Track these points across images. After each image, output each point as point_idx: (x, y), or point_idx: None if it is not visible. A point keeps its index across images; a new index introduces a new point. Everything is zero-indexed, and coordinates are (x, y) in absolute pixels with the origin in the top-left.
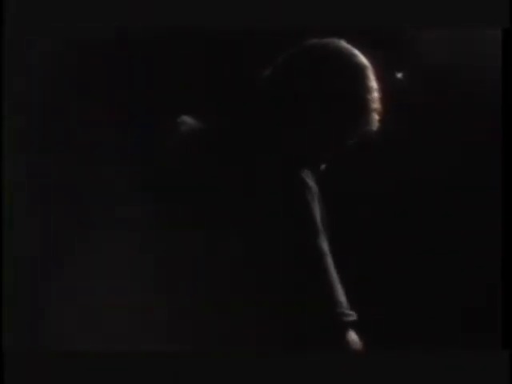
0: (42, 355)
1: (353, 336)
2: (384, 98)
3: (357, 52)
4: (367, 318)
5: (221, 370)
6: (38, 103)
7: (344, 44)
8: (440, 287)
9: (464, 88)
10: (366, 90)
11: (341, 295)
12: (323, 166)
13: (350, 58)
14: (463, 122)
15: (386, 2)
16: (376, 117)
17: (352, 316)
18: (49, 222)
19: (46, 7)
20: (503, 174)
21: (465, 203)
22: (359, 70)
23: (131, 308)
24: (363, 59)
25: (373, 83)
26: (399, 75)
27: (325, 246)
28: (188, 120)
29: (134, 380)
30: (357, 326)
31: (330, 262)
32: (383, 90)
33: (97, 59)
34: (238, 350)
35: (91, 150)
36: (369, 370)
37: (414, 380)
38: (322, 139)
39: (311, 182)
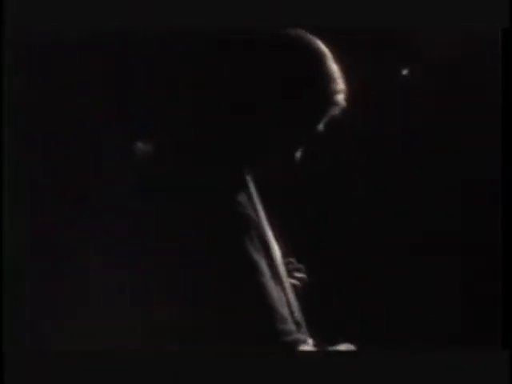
0: (41, 355)
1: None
2: (384, 98)
3: (314, 40)
4: (367, 318)
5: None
6: (37, 103)
7: (303, 32)
8: (440, 287)
9: (464, 88)
10: (324, 76)
11: (282, 324)
12: (298, 155)
13: (308, 46)
14: (463, 122)
15: (386, 1)
16: (341, 97)
17: (295, 341)
18: (49, 221)
19: (45, 7)
20: (503, 173)
21: (465, 203)
22: (316, 56)
23: (131, 308)
24: (321, 46)
25: (330, 68)
26: (404, 72)
27: (263, 278)
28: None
29: (135, 380)
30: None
31: (267, 293)
32: (383, 89)
33: (97, 59)
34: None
35: (91, 150)
36: (368, 370)
37: (414, 380)
38: (285, 128)
39: (242, 207)
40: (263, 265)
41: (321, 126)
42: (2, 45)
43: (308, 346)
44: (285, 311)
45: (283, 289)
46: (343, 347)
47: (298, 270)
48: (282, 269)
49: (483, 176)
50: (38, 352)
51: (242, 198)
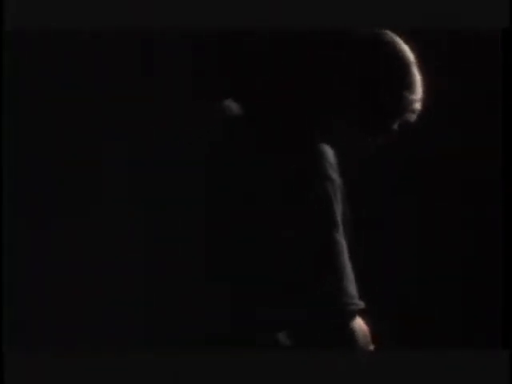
0: (41, 355)
1: (357, 325)
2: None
3: (405, 47)
4: (366, 318)
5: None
6: (38, 103)
7: (395, 38)
8: (440, 287)
9: (464, 88)
10: (407, 86)
11: (348, 286)
12: (372, 151)
13: (399, 53)
14: (463, 122)
15: (386, 2)
16: (417, 106)
17: (356, 305)
18: (49, 221)
19: (45, 7)
20: (503, 173)
21: (465, 203)
22: (403, 63)
23: (131, 308)
24: (408, 52)
25: (415, 78)
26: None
27: (339, 238)
28: (229, 105)
29: (134, 380)
30: (365, 315)
31: (341, 251)
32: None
33: (96, 59)
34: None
35: (91, 150)
36: (368, 370)
37: (414, 380)
38: (360, 128)
39: (335, 174)
40: (341, 226)
41: (395, 127)
42: (1, 45)
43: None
44: (352, 275)
45: None
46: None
47: None
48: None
49: (483, 176)
50: (38, 352)
51: (331, 159)
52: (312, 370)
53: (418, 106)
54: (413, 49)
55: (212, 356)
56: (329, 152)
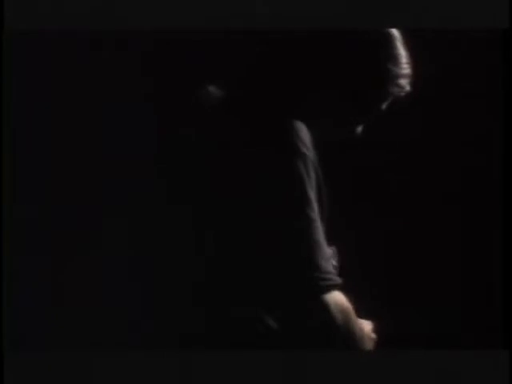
0: (41, 355)
1: (332, 300)
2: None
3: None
4: (366, 318)
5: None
6: (37, 103)
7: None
8: (440, 287)
9: (464, 88)
10: (389, 58)
11: (322, 260)
12: (359, 130)
13: (379, 32)
14: (463, 122)
15: (385, 2)
16: (404, 82)
17: (331, 280)
18: (48, 221)
19: (45, 7)
20: (503, 174)
21: (465, 203)
22: (385, 37)
23: (131, 308)
24: (391, 30)
25: (398, 51)
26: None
27: (311, 214)
28: (211, 90)
29: (135, 379)
30: (342, 289)
31: (314, 227)
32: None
33: (96, 58)
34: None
35: (91, 150)
36: (368, 370)
37: (414, 380)
38: (344, 105)
39: (306, 150)
40: (315, 203)
41: (383, 106)
42: (1, 45)
43: (340, 292)
44: (328, 251)
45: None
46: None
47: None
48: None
49: (483, 176)
50: (37, 352)
51: (304, 136)
52: (312, 370)
53: (404, 81)
54: (413, 49)
55: (204, 354)
56: (302, 130)
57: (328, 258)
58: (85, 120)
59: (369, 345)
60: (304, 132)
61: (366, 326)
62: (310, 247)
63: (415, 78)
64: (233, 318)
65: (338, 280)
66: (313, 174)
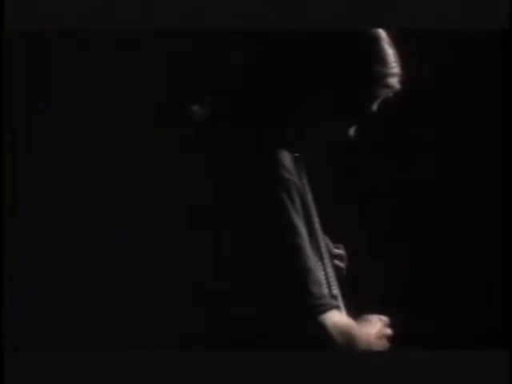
0: (41, 355)
1: (329, 322)
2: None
3: (378, 30)
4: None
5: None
6: (37, 103)
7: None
8: (440, 287)
9: (464, 88)
10: (376, 60)
11: (313, 286)
12: (351, 132)
13: (364, 33)
14: (463, 123)
15: (385, 2)
16: (394, 80)
17: (326, 305)
18: (48, 221)
19: (45, 7)
20: (503, 174)
21: (465, 203)
22: (371, 38)
23: (130, 308)
24: (378, 29)
25: (384, 51)
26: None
27: (299, 240)
28: (196, 109)
29: (135, 379)
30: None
31: (301, 255)
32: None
33: (96, 58)
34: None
35: (92, 150)
36: (368, 370)
37: (414, 380)
38: (337, 106)
39: (288, 175)
40: (302, 228)
41: (374, 107)
42: (1, 45)
43: (340, 311)
44: (320, 275)
45: (322, 258)
46: (375, 318)
47: (338, 258)
48: (322, 241)
49: (483, 176)
50: (37, 352)
51: (286, 162)
52: (312, 370)
53: (392, 81)
54: (412, 49)
55: (204, 356)
56: (282, 155)
57: (320, 282)
58: (85, 120)
59: (381, 345)
60: (284, 157)
61: (375, 326)
62: (300, 276)
63: (415, 78)
64: (233, 318)
65: (333, 302)
66: (297, 199)
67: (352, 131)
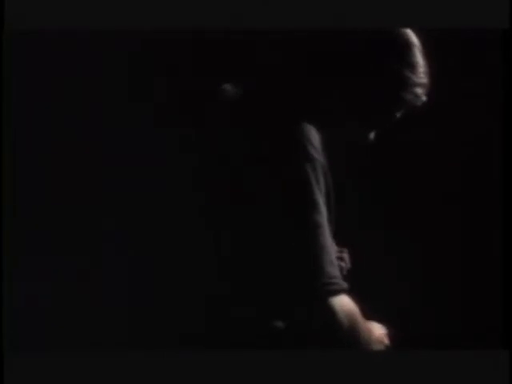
0: (41, 355)
1: (338, 305)
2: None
3: (409, 31)
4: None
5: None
6: (37, 103)
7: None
8: (440, 287)
9: (464, 88)
10: (407, 66)
11: (327, 265)
12: (372, 136)
13: (397, 37)
14: (463, 122)
15: (385, 2)
16: (420, 91)
17: (337, 285)
18: (48, 221)
19: (45, 7)
20: (503, 174)
21: (465, 203)
22: (402, 46)
23: (130, 308)
24: (413, 36)
25: (416, 59)
26: None
27: (318, 218)
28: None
29: (135, 379)
30: (350, 291)
31: (321, 232)
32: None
33: (96, 58)
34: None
35: (91, 150)
36: (368, 370)
37: (414, 380)
38: (359, 111)
39: (317, 155)
40: (323, 207)
41: (398, 114)
42: (1, 45)
43: (348, 296)
44: (334, 257)
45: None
46: (377, 325)
47: (341, 259)
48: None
49: (483, 176)
50: (37, 352)
51: (316, 142)
52: (312, 370)
53: (420, 90)
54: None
55: (205, 354)
56: (312, 134)
57: (334, 262)
58: (85, 120)
59: (377, 348)
60: (314, 136)
61: (377, 329)
62: (316, 252)
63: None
64: (233, 318)
65: (344, 284)
66: (322, 179)
67: (372, 135)
